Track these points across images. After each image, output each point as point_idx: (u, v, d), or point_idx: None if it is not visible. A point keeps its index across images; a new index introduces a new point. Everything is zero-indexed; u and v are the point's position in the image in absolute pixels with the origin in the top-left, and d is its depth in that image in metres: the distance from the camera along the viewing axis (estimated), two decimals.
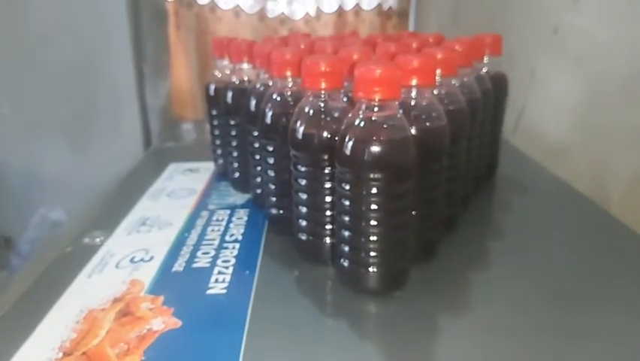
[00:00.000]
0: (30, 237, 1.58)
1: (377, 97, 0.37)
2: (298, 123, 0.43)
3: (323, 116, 0.42)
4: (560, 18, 0.89)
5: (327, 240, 0.45)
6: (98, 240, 0.53)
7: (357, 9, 1.62)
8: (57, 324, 0.39)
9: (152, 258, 0.48)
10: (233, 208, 0.59)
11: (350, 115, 0.39)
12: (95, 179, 0.68)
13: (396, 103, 0.38)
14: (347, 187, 0.39)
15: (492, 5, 1.15)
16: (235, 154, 0.62)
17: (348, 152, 0.38)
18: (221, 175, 0.69)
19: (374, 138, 0.37)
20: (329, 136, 0.42)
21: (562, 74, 0.90)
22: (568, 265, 0.46)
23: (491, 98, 0.58)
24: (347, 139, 0.38)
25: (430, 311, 0.40)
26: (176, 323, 0.39)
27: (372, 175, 0.38)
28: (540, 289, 0.43)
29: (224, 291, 0.43)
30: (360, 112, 0.38)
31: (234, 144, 0.62)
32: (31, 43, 1.57)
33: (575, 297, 0.42)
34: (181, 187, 0.66)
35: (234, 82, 0.60)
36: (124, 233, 0.54)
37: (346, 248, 0.41)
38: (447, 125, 0.43)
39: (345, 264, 0.42)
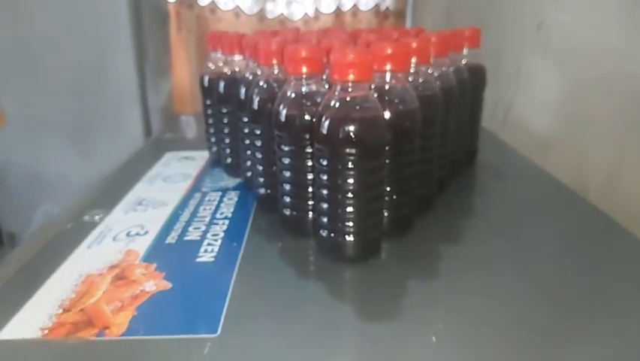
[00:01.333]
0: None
1: (350, 79, 0.40)
2: (281, 106, 0.47)
3: (304, 100, 0.46)
4: (543, 15, 0.93)
5: (310, 214, 0.49)
6: (97, 217, 0.56)
7: (355, 10, 1.66)
8: (58, 286, 0.42)
9: (147, 232, 0.52)
10: (224, 190, 0.63)
11: (326, 97, 0.42)
12: (98, 177, 0.72)
13: (370, 85, 0.42)
14: (324, 163, 0.43)
15: (482, 3, 1.19)
16: (227, 141, 0.66)
17: (324, 130, 0.41)
18: (215, 162, 0.73)
19: (347, 116, 0.41)
20: (309, 117, 0.45)
21: (545, 70, 0.94)
22: (538, 241, 0.50)
23: (468, 87, 0.62)
24: (323, 118, 0.42)
25: (401, 277, 0.43)
26: (166, 285, 0.42)
27: (346, 151, 0.41)
28: (509, 261, 0.46)
29: (212, 259, 0.46)
30: (336, 93, 0.41)
31: (226, 131, 0.65)
32: (35, 46, 1.61)
33: (540, 265, 0.45)
34: (176, 173, 0.70)
35: (226, 72, 0.64)
36: (121, 212, 0.58)
37: (325, 219, 0.45)
38: (418, 109, 0.46)
39: (324, 234, 0.45)
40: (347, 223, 0.43)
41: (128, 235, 0.52)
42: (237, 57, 0.62)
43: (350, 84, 0.41)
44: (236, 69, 0.62)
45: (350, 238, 0.44)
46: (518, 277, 0.43)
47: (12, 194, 1.71)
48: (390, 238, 0.48)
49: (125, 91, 1.69)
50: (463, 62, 0.64)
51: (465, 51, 0.65)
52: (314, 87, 0.46)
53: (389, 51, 0.44)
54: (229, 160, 0.67)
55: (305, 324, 0.37)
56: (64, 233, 0.53)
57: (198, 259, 0.46)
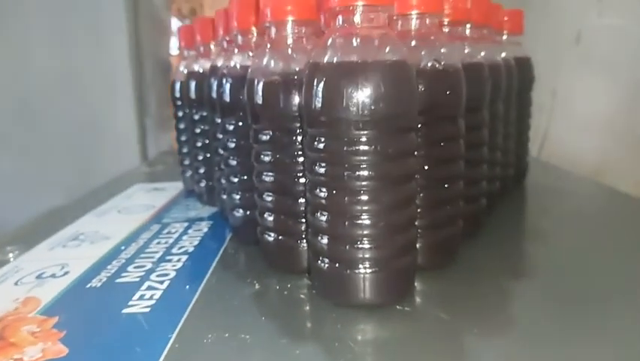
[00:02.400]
0: None
1: (361, 2, 0.25)
2: (257, 79, 0.31)
3: (290, 52, 0.31)
4: (582, 23, 0.79)
5: (303, 238, 0.32)
6: (11, 255, 0.40)
7: None
8: None
9: (65, 273, 0.35)
10: (192, 221, 0.46)
11: (322, 38, 0.27)
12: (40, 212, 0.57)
13: (387, 17, 0.26)
14: (321, 146, 0.27)
15: None
16: (200, 157, 0.50)
17: (319, 89, 0.26)
18: (190, 192, 0.57)
19: (356, 65, 0.25)
20: (297, 83, 0.30)
21: (587, 85, 0.79)
22: (625, 271, 0.32)
23: (515, 78, 0.46)
24: (316, 71, 0.26)
25: (443, 332, 0.26)
26: (60, 350, 0.25)
27: (355, 120, 0.25)
28: (595, 298, 0.29)
29: (148, 310, 0.29)
30: (336, 28, 0.26)
31: (199, 144, 0.50)
32: (32, 98, 1.52)
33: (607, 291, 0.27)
34: (138, 204, 0.54)
35: (198, 71, 0.49)
36: (45, 248, 0.41)
37: (325, 241, 0.28)
38: (462, 73, 0.31)
39: (325, 265, 0.28)
40: (360, 245, 0.27)
41: (38, 277, 0.35)
42: (213, 47, 0.48)
43: (359, 8, 0.25)
44: (211, 62, 0.48)
45: (366, 271, 0.27)
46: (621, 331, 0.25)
47: None
48: (427, 272, 0.31)
49: (124, 146, 1.58)
50: (503, 54, 0.49)
51: (505, 37, 0.50)
52: (304, 42, 0.31)
53: None
54: (203, 183, 0.51)
55: None
56: None
57: (126, 310, 0.29)
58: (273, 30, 0.31)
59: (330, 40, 0.26)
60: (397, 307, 0.28)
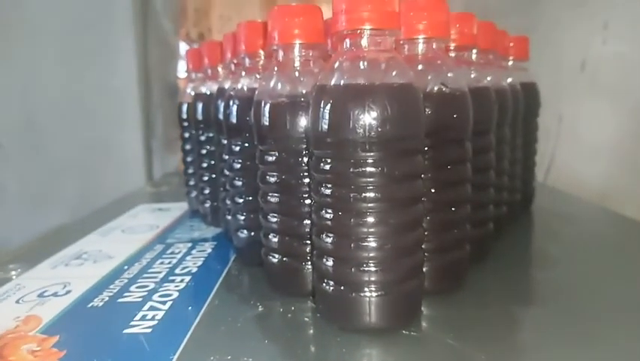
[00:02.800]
0: None
1: (366, 25, 0.25)
2: (264, 101, 0.31)
3: (297, 75, 0.31)
4: (587, 50, 0.80)
5: (308, 260, 0.32)
6: (13, 273, 0.40)
7: None
8: None
9: (68, 292, 0.35)
10: (196, 242, 0.46)
11: (329, 61, 0.27)
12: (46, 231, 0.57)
13: (394, 40, 0.27)
14: (327, 167, 0.27)
15: None
16: (206, 178, 0.51)
17: (326, 112, 0.26)
18: (194, 212, 0.57)
19: (363, 87, 0.25)
20: (304, 104, 0.30)
21: (594, 112, 0.79)
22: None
23: (522, 104, 0.46)
24: (323, 93, 0.26)
25: (458, 359, 0.25)
26: None
27: (362, 142, 0.25)
28: (609, 327, 0.28)
29: (149, 330, 0.29)
30: (343, 51, 0.26)
31: (205, 165, 0.50)
32: (40, 117, 1.53)
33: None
34: (142, 224, 0.54)
35: (205, 93, 0.50)
36: (48, 267, 0.41)
37: (330, 263, 0.28)
38: (469, 97, 0.31)
39: (330, 288, 0.28)
40: (366, 268, 0.26)
41: (40, 295, 0.35)
42: (221, 70, 0.48)
43: (366, 32, 0.25)
44: (218, 84, 0.48)
45: (372, 294, 0.27)
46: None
47: None
48: (434, 296, 0.31)
49: (130, 167, 1.59)
50: (509, 79, 0.49)
51: (511, 62, 0.50)
52: (311, 65, 0.31)
53: (424, 4, 0.30)
54: (208, 204, 0.51)
55: None
56: None
57: (128, 330, 0.29)
58: (281, 53, 0.31)
59: (337, 63, 0.26)
60: (404, 331, 0.28)
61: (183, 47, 1.37)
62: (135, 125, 1.58)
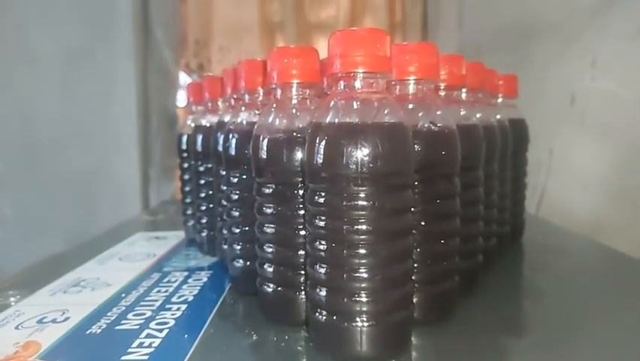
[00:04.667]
0: None
1: (359, 68, 0.27)
2: (262, 136, 0.33)
3: (294, 112, 0.32)
4: (576, 86, 0.82)
5: (301, 294, 0.33)
6: (12, 299, 0.41)
7: None
8: None
9: (66, 319, 0.36)
10: (193, 270, 0.47)
11: (324, 101, 0.29)
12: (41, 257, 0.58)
13: (386, 81, 0.28)
14: (321, 200, 0.28)
15: None
16: (203, 207, 0.52)
17: (321, 148, 0.27)
18: (191, 241, 0.58)
19: (355, 126, 0.27)
20: (300, 139, 0.31)
21: (584, 146, 0.81)
22: (625, 332, 0.33)
23: (510, 140, 0.48)
24: (318, 130, 0.28)
25: None
26: None
27: (354, 177, 0.27)
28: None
29: (146, 357, 0.29)
30: (338, 92, 0.28)
31: (203, 195, 0.51)
32: (38, 143, 1.55)
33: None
34: (139, 252, 0.55)
35: (205, 125, 0.51)
36: (47, 294, 0.42)
37: (323, 293, 0.29)
38: (457, 134, 0.32)
39: (322, 318, 0.29)
40: (358, 298, 0.27)
41: (39, 321, 0.36)
42: (221, 104, 0.50)
43: (359, 75, 0.27)
44: (218, 117, 0.50)
45: (364, 324, 0.28)
46: None
47: None
48: (423, 326, 0.32)
49: (126, 194, 1.59)
50: (498, 116, 0.51)
51: (500, 99, 0.52)
52: (307, 103, 0.33)
53: (414, 48, 0.31)
54: (204, 233, 0.52)
55: None
56: None
57: (125, 357, 0.30)
58: (279, 91, 0.33)
59: (332, 103, 0.28)
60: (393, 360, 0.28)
61: (183, 77, 1.40)
62: (133, 153, 1.59)
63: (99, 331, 0.34)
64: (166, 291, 0.41)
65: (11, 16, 1.33)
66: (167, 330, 0.33)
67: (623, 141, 0.71)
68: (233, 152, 0.38)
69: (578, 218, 0.77)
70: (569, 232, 0.63)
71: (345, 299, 0.28)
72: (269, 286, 0.34)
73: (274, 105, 0.33)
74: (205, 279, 0.44)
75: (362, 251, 0.27)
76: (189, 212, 0.58)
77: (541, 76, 0.91)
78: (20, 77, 1.37)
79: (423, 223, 0.32)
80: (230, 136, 0.38)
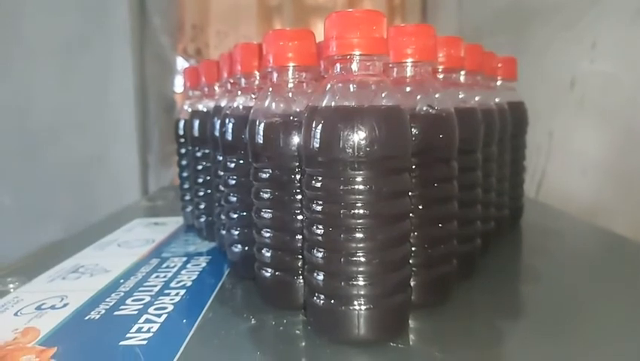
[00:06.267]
0: None
1: (356, 51, 0.26)
2: (258, 120, 0.33)
3: (291, 96, 0.32)
4: (576, 70, 0.82)
5: (300, 275, 0.33)
6: (11, 285, 0.41)
7: None
8: None
9: (65, 305, 0.36)
10: (191, 256, 0.47)
11: (320, 84, 0.29)
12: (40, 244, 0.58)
13: (382, 64, 0.28)
14: (318, 185, 0.28)
15: None
16: (201, 193, 0.52)
17: (317, 131, 0.27)
18: (190, 227, 0.58)
19: (352, 109, 0.27)
20: (297, 123, 0.31)
21: (583, 129, 0.81)
22: (623, 313, 0.33)
23: (509, 122, 0.48)
24: (314, 114, 0.27)
25: None
26: None
27: (350, 161, 0.26)
28: (593, 339, 0.29)
29: (145, 342, 0.30)
30: (334, 75, 0.28)
31: (200, 180, 0.51)
32: (36, 131, 1.54)
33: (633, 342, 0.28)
34: (137, 238, 0.55)
35: (202, 110, 0.51)
36: (45, 280, 0.42)
37: (321, 277, 0.29)
38: (454, 117, 0.32)
39: (320, 301, 0.29)
40: (355, 282, 0.27)
41: (38, 308, 0.36)
42: (217, 89, 0.50)
43: (356, 57, 0.27)
44: (215, 102, 0.50)
45: (361, 307, 0.28)
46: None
47: None
48: (421, 309, 0.32)
49: (125, 182, 1.59)
50: (497, 99, 0.51)
51: (499, 82, 0.52)
52: (304, 87, 0.32)
53: (411, 30, 0.31)
54: (203, 219, 0.52)
55: None
56: None
57: (124, 342, 0.30)
58: (275, 74, 0.32)
59: (328, 86, 0.28)
60: (391, 344, 0.29)
61: (180, 62, 1.39)
62: (131, 140, 1.59)
63: (98, 316, 0.34)
64: (165, 276, 0.41)
65: (7, 5, 1.31)
66: (165, 315, 0.33)
67: (621, 124, 0.71)
68: (229, 137, 0.38)
69: (577, 201, 0.77)
70: (568, 215, 0.63)
71: (343, 283, 0.28)
72: (267, 271, 0.34)
73: (270, 89, 0.33)
74: (204, 264, 0.44)
75: (359, 235, 0.27)
76: (187, 198, 0.57)
77: (541, 59, 0.90)
78: (17, 67, 1.36)
79: (420, 207, 0.32)
80: (227, 121, 0.38)
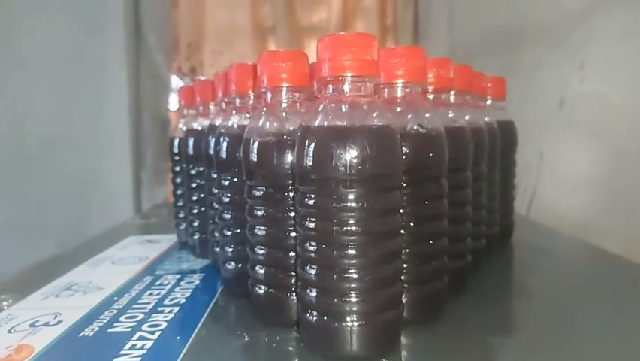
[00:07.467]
0: None
1: (347, 72, 0.27)
2: (252, 139, 0.33)
3: (285, 115, 0.33)
4: (565, 89, 0.83)
5: (293, 295, 0.33)
6: (4, 303, 0.41)
7: None
8: None
9: (59, 322, 0.36)
10: (185, 273, 0.47)
11: (313, 105, 0.29)
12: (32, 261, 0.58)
13: (373, 85, 0.29)
14: (311, 202, 0.28)
15: None
16: (195, 211, 0.52)
17: (310, 149, 0.28)
18: (183, 244, 0.58)
19: (344, 129, 0.27)
20: (290, 142, 0.32)
21: (573, 148, 0.82)
22: (611, 330, 0.33)
23: (498, 141, 0.49)
24: (307, 133, 0.28)
25: None
26: None
27: (343, 178, 0.27)
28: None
29: (139, 359, 0.30)
30: (326, 96, 0.28)
31: (194, 198, 0.52)
32: (30, 147, 1.54)
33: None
34: (131, 255, 0.55)
35: (196, 128, 0.52)
36: (39, 298, 0.42)
37: (313, 293, 0.29)
38: (444, 136, 0.33)
39: (313, 318, 0.29)
40: (348, 298, 0.28)
41: (32, 325, 0.36)
42: (212, 108, 0.51)
43: (347, 79, 0.28)
44: (210, 121, 0.50)
45: (354, 323, 0.28)
46: None
47: None
48: (412, 326, 0.32)
49: (118, 198, 1.59)
50: (487, 118, 0.52)
51: (489, 102, 0.53)
52: (297, 107, 0.33)
53: (401, 52, 0.32)
54: (196, 236, 0.52)
55: None
56: None
57: (117, 359, 0.30)
58: (269, 94, 0.33)
59: (321, 106, 0.28)
60: (383, 360, 0.29)
61: (175, 81, 1.39)
62: (125, 157, 1.59)
63: (92, 334, 0.34)
64: (158, 294, 0.41)
65: (3, 19, 1.32)
66: (159, 332, 0.34)
67: (611, 143, 0.72)
68: (224, 155, 0.39)
69: (568, 219, 0.78)
70: (559, 233, 0.64)
71: (336, 300, 0.28)
72: (260, 288, 0.34)
73: (264, 109, 0.34)
74: (197, 281, 0.45)
75: (351, 252, 0.28)
76: (181, 215, 0.58)
77: (530, 79, 0.92)
78: (12, 81, 1.36)
79: (411, 224, 0.32)
80: (222, 139, 0.39)
